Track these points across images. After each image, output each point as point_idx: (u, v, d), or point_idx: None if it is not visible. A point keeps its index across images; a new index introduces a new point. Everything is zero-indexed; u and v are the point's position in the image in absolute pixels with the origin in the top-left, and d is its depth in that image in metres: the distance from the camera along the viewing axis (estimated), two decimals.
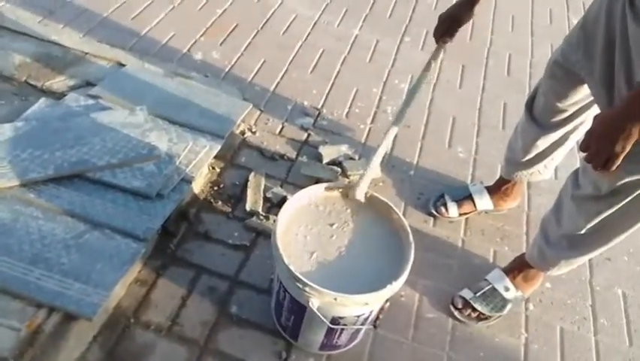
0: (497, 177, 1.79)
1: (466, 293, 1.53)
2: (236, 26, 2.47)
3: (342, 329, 1.26)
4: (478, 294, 1.52)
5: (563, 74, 1.35)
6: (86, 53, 2.14)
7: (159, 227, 1.51)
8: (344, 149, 1.92)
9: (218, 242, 1.60)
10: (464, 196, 1.77)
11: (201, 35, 2.38)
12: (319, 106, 2.14)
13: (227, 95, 2.04)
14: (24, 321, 1.23)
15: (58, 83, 1.97)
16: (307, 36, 2.50)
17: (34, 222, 1.43)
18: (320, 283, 1.12)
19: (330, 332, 1.26)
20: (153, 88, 1.97)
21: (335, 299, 1.12)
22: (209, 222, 1.65)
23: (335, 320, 1.20)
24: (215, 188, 1.75)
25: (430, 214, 1.77)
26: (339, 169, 1.84)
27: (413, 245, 1.21)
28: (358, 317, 1.22)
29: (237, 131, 1.94)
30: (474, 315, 1.51)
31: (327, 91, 2.21)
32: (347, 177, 1.83)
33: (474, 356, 1.44)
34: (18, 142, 1.60)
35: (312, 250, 1.22)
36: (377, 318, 1.26)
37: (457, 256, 1.69)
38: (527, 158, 1.59)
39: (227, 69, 2.22)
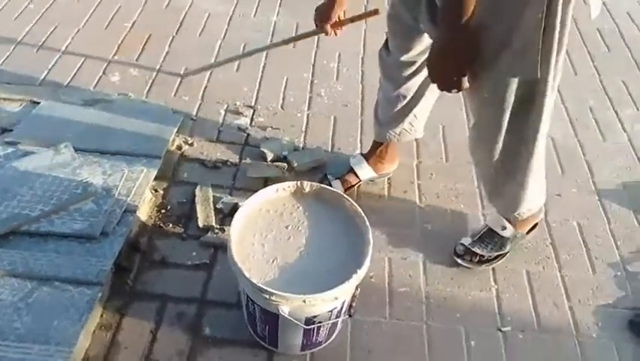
0: None
1: (465, 240, 1.57)
2: (149, 37, 2.37)
3: (319, 327, 1.25)
4: (476, 238, 1.56)
5: (399, 27, 1.42)
6: None
7: (111, 266, 1.44)
8: (286, 142, 1.88)
9: (177, 266, 1.55)
10: (346, 171, 1.75)
11: (114, 54, 2.27)
12: (252, 103, 2.09)
13: (154, 111, 1.96)
14: None
15: None
16: (225, 33, 2.43)
17: None
18: (286, 289, 1.10)
19: (307, 333, 1.25)
20: (74, 121, 1.87)
21: (304, 301, 1.10)
22: (163, 247, 1.59)
23: (309, 320, 1.19)
24: (163, 211, 1.69)
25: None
26: (284, 164, 1.81)
27: (370, 229, 1.20)
28: (331, 311, 1.21)
29: (173, 147, 1.87)
30: (475, 259, 1.55)
31: (257, 86, 2.16)
32: (294, 169, 1.80)
33: (451, 319, 1.47)
34: None
35: (271, 257, 1.20)
36: (350, 306, 1.26)
37: (416, 224, 1.70)
38: (390, 116, 1.62)
39: (149, 84, 2.13)
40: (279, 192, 1.30)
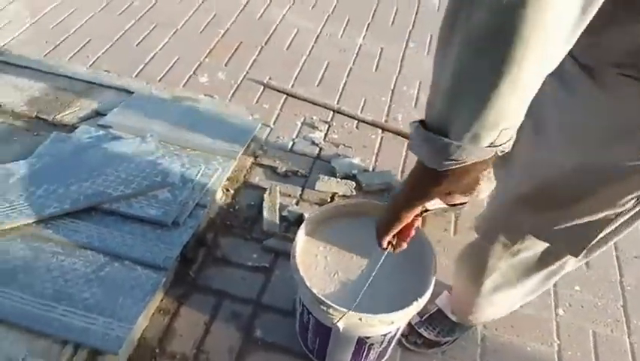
0: None
1: (413, 318, 1.43)
2: (239, 45, 2.47)
3: (370, 349, 1.24)
4: (424, 318, 1.43)
5: None
6: (94, 84, 2.15)
7: (178, 255, 1.50)
8: (357, 161, 1.90)
9: (237, 266, 1.59)
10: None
11: (205, 57, 2.38)
12: (328, 119, 2.13)
13: (235, 115, 2.04)
14: (51, 360, 1.23)
15: (69, 115, 1.98)
16: (311, 50, 2.50)
17: (55, 258, 1.43)
18: (344, 304, 1.10)
19: (357, 352, 1.24)
20: (162, 114, 1.98)
21: (360, 320, 1.10)
22: (227, 246, 1.64)
23: (362, 340, 1.18)
24: (231, 210, 1.74)
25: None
26: (353, 183, 1.83)
27: (436, 258, 1.19)
28: (385, 335, 1.19)
29: (248, 151, 1.93)
30: (420, 341, 1.42)
31: (335, 103, 2.20)
32: (362, 189, 1.81)
33: None
34: (33, 179, 1.61)
35: (333, 271, 1.21)
36: (404, 334, 1.24)
37: None
38: None
39: (233, 89, 2.22)
40: (348, 208, 1.31)
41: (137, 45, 2.41)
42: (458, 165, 0.66)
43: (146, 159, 1.71)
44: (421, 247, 1.25)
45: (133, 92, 2.10)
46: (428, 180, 0.72)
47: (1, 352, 1.24)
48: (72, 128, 1.91)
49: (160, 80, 2.23)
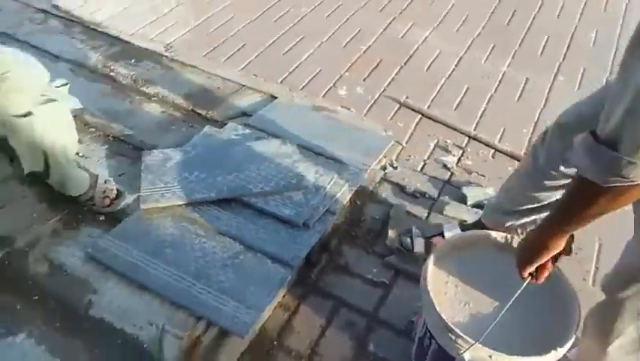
0: None
1: None
2: (379, 62, 2.53)
3: None
4: None
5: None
6: (243, 86, 2.32)
7: (304, 255, 1.57)
8: (490, 192, 1.85)
9: (357, 276, 1.62)
10: (436, 233, 1.62)
11: (346, 71, 2.47)
12: (463, 144, 2.10)
13: (369, 129, 2.09)
14: (186, 331, 1.34)
15: (219, 112, 2.16)
16: (451, 73, 2.48)
17: (198, 240, 1.57)
18: (472, 336, 1.08)
19: None
20: (301, 120, 2.08)
21: (490, 357, 1.06)
22: (349, 255, 1.68)
23: None
24: (356, 221, 1.78)
25: (395, 249, 1.66)
26: None
27: (580, 308, 1.12)
28: None
29: (379, 166, 1.96)
30: None
31: (472, 129, 2.16)
32: None
33: None
34: (186, 165, 1.78)
35: (464, 301, 1.19)
36: None
37: None
38: (517, 210, 1.43)
39: (370, 104, 2.28)
40: (486, 239, 1.28)
41: (284, 54, 2.56)
42: (624, 184, 0.63)
43: (284, 160, 1.82)
44: (561, 292, 1.18)
45: (277, 97, 2.24)
46: (587, 197, 0.70)
47: (144, 316, 1.38)
48: (221, 124, 2.08)
49: (302, 89, 2.35)
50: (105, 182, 1.68)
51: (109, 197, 1.65)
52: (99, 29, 2.58)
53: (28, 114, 1.28)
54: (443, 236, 1.63)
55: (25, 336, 1.32)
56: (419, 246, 1.64)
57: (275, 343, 1.45)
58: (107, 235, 1.56)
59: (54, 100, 1.41)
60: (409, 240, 1.66)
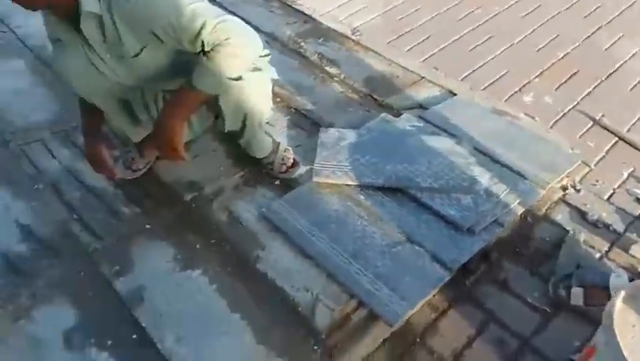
0: None
1: None
2: (576, 73, 2.32)
3: None
4: None
5: None
6: (423, 77, 2.30)
7: (465, 261, 1.52)
8: None
9: (515, 296, 1.53)
10: (598, 283, 1.40)
11: (536, 77, 2.31)
12: None
13: (554, 143, 1.93)
14: (339, 305, 1.40)
15: (396, 101, 2.17)
16: None
17: (360, 222, 1.61)
18: None
19: None
20: (480, 122, 2.00)
21: None
22: (510, 271, 1.58)
23: None
24: (524, 238, 1.67)
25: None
26: None
27: None
28: None
29: (559, 185, 1.81)
30: None
31: None
32: None
33: None
34: (359, 148, 1.82)
35: None
36: None
37: None
38: None
39: (558, 116, 2.11)
40: None
41: (470, 50, 2.48)
42: None
43: (458, 160, 1.77)
44: None
45: (456, 94, 2.18)
46: None
47: (302, 280, 1.46)
48: (396, 112, 2.09)
49: (484, 89, 2.26)
50: (285, 150, 1.79)
51: (286, 164, 1.76)
52: (294, 6, 2.74)
53: (239, 78, 1.41)
54: (608, 290, 1.43)
55: (201, 273, 1.48)
56: (577, 298, 1.47)
57: (418, 340, 1.43)
58: (280, 199, 1.67)
59: (260, 69, 1.53)
60: (563, 291, 1.49)
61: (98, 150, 1.56)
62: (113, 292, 1.43)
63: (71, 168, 1.79)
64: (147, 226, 1.62)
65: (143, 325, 1.35)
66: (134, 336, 1.34)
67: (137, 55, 1.36)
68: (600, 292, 1.44)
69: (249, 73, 1.47)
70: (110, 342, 1.32)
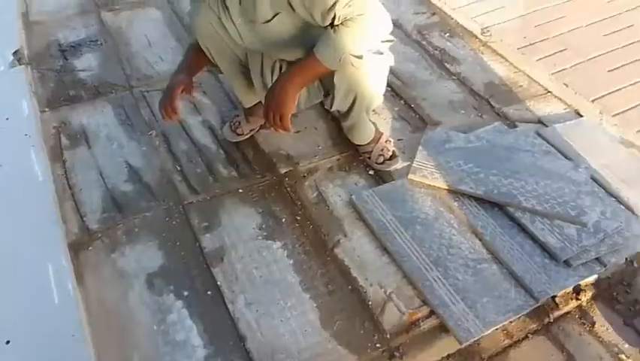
0: None
1: None
2: None
3: None
4: None
5: None
6: (549, 92, 2.13)
7: (553, 294, 1.41)
8: None
9: (602, 343, 1.39)
10: None
11: None
12: None
13: None
14: (410, 309, 1.36)
15: (513, 111, 2.03)
16: None
17: (448, 229, 1.54)
18: None
19: None
20: (603, 150, 1.82)
21: None
22: (601, 316, 1.44)
23: None
24: (625, 284, 1.51)
25: None
26: None
27: None
28: None
29: None
30: None
31: None
32: None
33: None
34: (464, 153, 1.74)
35: None
36: None
37: None
38: None
39: None
40: None
41: (608, 71, 2.25)
42: None
43: (569, 187, 1.62)
44: None
45: (582, 116, 1.99)
46: None
47: (377, 275, 1.44)
48: (512, 124, 1.96)
49: (615, 116, 2.04)
50: (386, 141, 1.76)
51: (384, 156, 1.73)
52: None
53: (360, 57, 1.39)
54: None
55: (281, 246, 1.51)
56: None
57: None
58: (370, 190, 1.65)
59: (382, 53, 1.50)
60: None
61: (176, 89, 1.49)
62: (198, 247, 1.50)
63: (184, 120, 1.90)
64: (240, 190, 1.67)
65: (219, 283, 1.40)
66: (209, 292, 1.40)
67: (267, 21, 1.38)
68: None
69: (370, 54, 1.44)
70: (186, 293, 1.39)
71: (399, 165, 1.75)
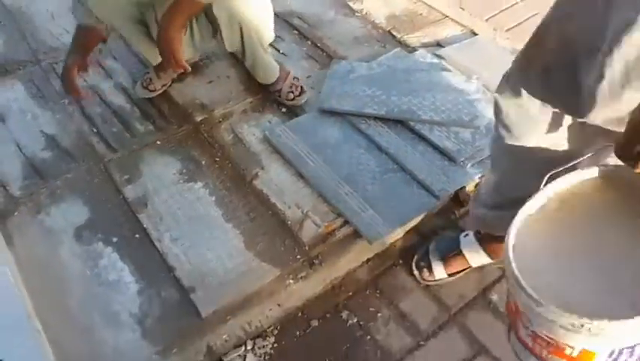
0: None
1: None
2: None
3: None
4: None
5: None
6: (446, 16, 2.26)
7: (452, 192, 1.56)
8: None
9: None
10: (453, 252, 1.42)
11: None
12: None
13: None
14: (324, 222, 1.48)
15: (414, 38, 2.16)
16: None
17: (357, 149, 1.66)
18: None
19: None
20: (495, 62, 1.96)
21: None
22: None
23: None
24: None
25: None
26: None
27: None
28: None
29: None
30: None
31: None
32: None
33: None
34: (367, 80, 1.85)
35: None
36: None
37: None
38: None
39: None
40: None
41: None
42: None
43: (463, 96, 1.77)
44: None
45: (477, 35, 2.14)
46: None
47: (294, 198, 1.55)
48: (412, 50, 2.08)
49: (507, 30, 2.20)
50: (293, 78, 1.85)
51: (293, 92, 1.82)
52: None
53: None
54: (461, 252, 1.42)
55: (202, 186, 1.59)
56: (439, 272, 1.44)
57: (400, 261, 1.51)
58: (283, 125, 1.75)
59: None
60: (426, 271, 1.45)
61: (72, 70, 1.56)
62: (122, 198, 1.56)
63: (95, 86, 1.92)
64: (158, 142, 1.73)
65: (145, 226, 1.48)
66: (137, 235, 1.47)
67: None
68: (458, 258, 1.43)
69: None
70: (115, 239, 1.46)
71: (309, 98, 1.85)
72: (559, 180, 0.89)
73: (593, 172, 0.89)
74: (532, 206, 0.87)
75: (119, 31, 1.65)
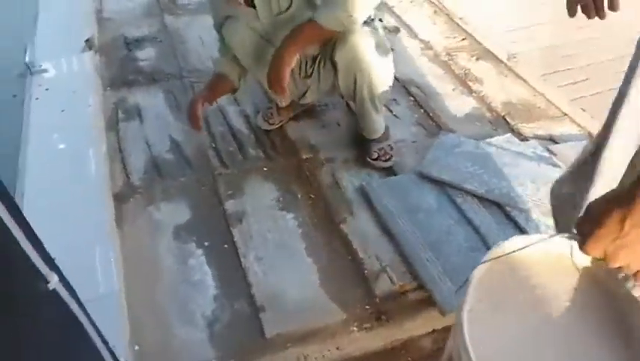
0: None
1: None
2: None
3: None
4: None
5: None
6: (565, 115, 2.25)
7: None
8: None
9: None
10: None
11: None
12: None
13: None
14: (400, 281, 1.50)
15: (527, 128, 2.17)
16: None
17: (448, 219, 1.68)
18: None
19: None
20: None
21: None
22: None
23: None
24: None
25: None
26: None
27: None
28: None
29: None
30: None
31: None
32: None
33: None
34: (473, 157, 1.88)
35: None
36: None
37: None
38: None
39: None
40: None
41: None
42: None
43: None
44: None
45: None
46: None
47: (376, 250, 1.59)
48: (524, 139, 2.09)
49: None
50: (388, 146, 1.91)
51: (378, 154, 1.88)
52: (459, 23, 2.84)
53: (355, 20, 1.53)
54: None
55: (293, 217, 1.69)
56: None
57: None
58: (381, 180, 1.82)
59: (389, 49, 1.72)
60: None
61: (198, 103, 1.73)
62: (222, 209, 1.71)
63: (222, 108, 2.14)
64: (264, 169, 1.88)
65: (235, 239, 1.59)
66: (225, 246, 1.59)
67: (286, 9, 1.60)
68: None
69: (367, 30, 1.62)
70: (206, 243, 1.59)
71: (390, 164, 1.89)
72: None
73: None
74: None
75: (249, 70, 1.83)
